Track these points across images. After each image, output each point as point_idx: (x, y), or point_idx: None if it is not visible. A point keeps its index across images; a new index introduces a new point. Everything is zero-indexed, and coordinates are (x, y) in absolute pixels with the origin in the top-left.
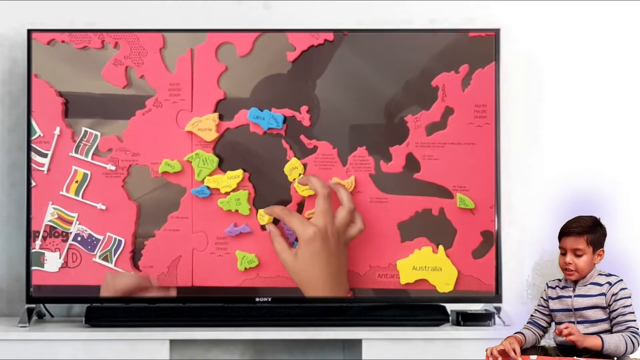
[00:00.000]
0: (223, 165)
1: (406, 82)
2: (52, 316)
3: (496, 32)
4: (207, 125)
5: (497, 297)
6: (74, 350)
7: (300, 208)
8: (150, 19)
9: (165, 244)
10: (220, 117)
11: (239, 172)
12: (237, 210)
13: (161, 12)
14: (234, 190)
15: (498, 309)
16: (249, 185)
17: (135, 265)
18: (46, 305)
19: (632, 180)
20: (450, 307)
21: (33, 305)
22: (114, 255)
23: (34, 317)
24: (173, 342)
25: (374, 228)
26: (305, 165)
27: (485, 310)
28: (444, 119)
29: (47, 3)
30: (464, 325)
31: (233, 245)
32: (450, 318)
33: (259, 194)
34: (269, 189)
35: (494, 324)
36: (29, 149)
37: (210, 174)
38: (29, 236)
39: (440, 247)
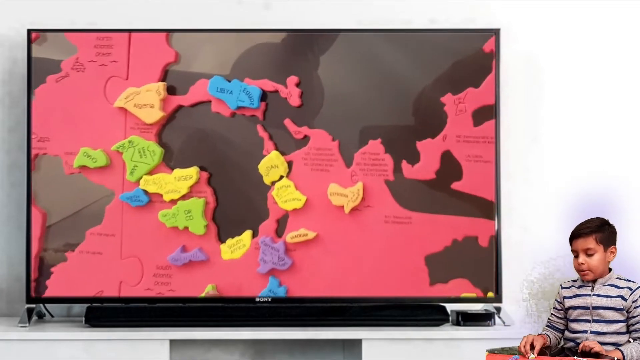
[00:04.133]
0: (170, 160)
1: (438, 54)
2: (52, 316)
3: (496, 32)
4: (148, 100)
5: (497, 297)
6: (74, 350)
7: (281, 225)
8: (150, 19)
9: (81, 272)
10: (169, 90)
11: (193, 171)
12: (186, 228)
13: (162, 12)
14: (183, 198)
15: (498, 309)
16: (208, 191)
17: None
18: (46, 305)
19: (633, 179)
20: (450, 307)
21: (33, 305)
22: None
23: (34, 317)
24: (173, 342)
25: (389, 261)
26: (290, 164)
27: (485, 310)
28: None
29: (47, 3)
30: (464, 325)
31: (179, 279)
32: (450, 318)
33: (222, 205)
34: (237, 198)
35: (494, 324)
36: (29, 148)
37: (150, 172)
38: (29, 236)
39: (490, 294)
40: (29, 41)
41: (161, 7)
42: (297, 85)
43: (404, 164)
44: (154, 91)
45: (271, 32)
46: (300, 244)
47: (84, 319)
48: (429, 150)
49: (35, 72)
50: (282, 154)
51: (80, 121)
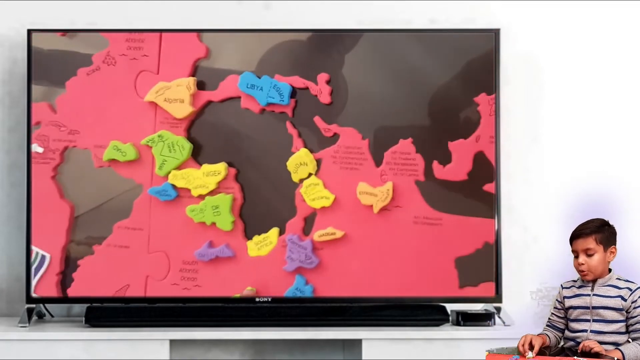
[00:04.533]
0: (198, 156)
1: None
2: (52, 316)
3: (496, 32)
4: (178, 95)
5: (497, 297)
6: (74, 350)
7: (308, 224)
8: (150, 19)
9: (107, 265)
10: (199, 85)
11: (221, 167)
12: (214, 223)
13: (162, 12)
14: (211, 193)
15: (498, 309)
16: (235, 187)
17: (64, 293)
18: (46, 305)
19: (633, 180)
20: (450, 307)
21: (33, 305)
22: (34, 277)
23: (34, 317)
24: (173, 342)
25: (418, 262)
26: (319, 162)
27: (485, 310)
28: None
29: (47, 3)
30: (464, 325)
31: (205, 275)
32: (450, 318)
33: (249, 201)
34: (264, 194)
35: (494, 324)
36: (29, 149)
37: (179, 167)
38: (29, 236)
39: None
40: (29, 41)
41: (161, 6)
42: (327, 82)
43: (435, 164)
44: (184, 86)
45: (271, 32)
46: (328, 243)
47: (84, 319)
48: (461, 151)
49: (66, 65)
50: (311, 151)
51: (110, 114)
